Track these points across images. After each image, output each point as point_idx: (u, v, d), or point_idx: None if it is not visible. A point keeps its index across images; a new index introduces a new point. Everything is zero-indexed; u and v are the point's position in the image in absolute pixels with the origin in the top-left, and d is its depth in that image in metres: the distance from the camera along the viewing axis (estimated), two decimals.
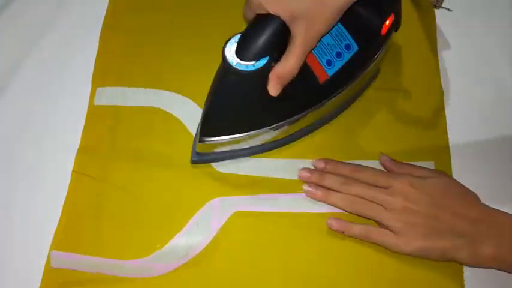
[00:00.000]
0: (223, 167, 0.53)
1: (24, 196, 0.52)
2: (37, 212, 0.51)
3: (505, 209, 0.47)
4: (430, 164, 0.52)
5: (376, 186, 0.48)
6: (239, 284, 0.48)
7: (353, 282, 0.48)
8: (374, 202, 0.47)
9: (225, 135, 0.49)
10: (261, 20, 0.45)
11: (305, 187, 0.50)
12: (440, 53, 0.59)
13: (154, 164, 0.53)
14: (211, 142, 0.49)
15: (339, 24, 0.50)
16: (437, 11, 0.61)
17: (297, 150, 0.54)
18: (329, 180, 0.49)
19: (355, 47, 0.50)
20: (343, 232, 0.48)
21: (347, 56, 0.50)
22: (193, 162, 0.52)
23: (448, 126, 0.55)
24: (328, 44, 0.50)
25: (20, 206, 0.52)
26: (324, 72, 0.50)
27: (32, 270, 0.48)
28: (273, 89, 0.46)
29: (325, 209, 0.50)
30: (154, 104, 0.57)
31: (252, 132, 0.49)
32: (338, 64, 0.50)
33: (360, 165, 0.51)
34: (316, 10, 0.43)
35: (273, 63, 0.46)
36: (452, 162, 0.52)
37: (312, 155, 0.53)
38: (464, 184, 0.48)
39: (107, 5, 0.63)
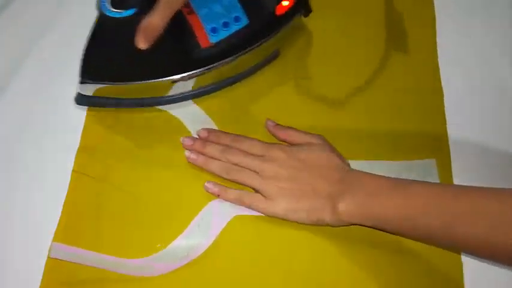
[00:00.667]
0: None
1: (24, 196, 0.52)
2: (37, 212, 0.51)
3: None
4: (431, 162, 0.52)
5: (253, 155, 0.50)
6: (239, 286, 0.48)
7: (352, 279, 0.48)
8: (250, 169, 0.50)
9: (104, 80, 0.51)
10: None
11: (186, 153, 0.52)
12: (440, 53, 0.59)
13: (154, 164, 0.53)
14: (91, 85, 0.51)
15: None
16: (437, 10, 0.61)
17: None
18: (210, 148, 0.52)
19: (245, 21, 0.52)
20: (218, 196, 0.51)
21: (234, 27, 0.52)
22: (78, 103, 0.54)
23: (448, 126, 0.55)
24: (216, 12, 0.52)
25: (20, 206, 0.52)
26: (207, 39, 0.52)
27: (32, 270, 0.48)
28: (140, 41, 0.49)
29: None
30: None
31: (128, 83, 0.51)
32: (223, 33, 0.52)
33: (240, 135, 0.53)
34: None
35: (142, 16, 0.49)
36: (452, 161, 0.52)
37: None
38: (464, 183, 0.48)
39: None
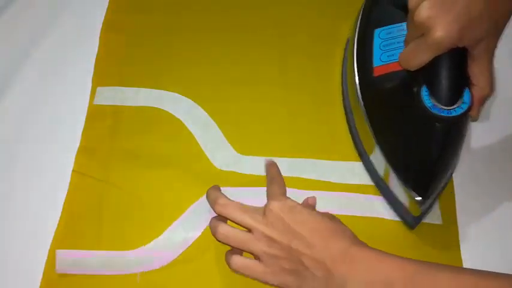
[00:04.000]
0: (225, 166, 0.53)
1: (24, 196, 0.52)
2: (37, 212, 0.51)
3: (506, 210, 0.47)
4: None
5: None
6: (235, 274, 0.47)
7: None
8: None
9: (442, 182, 0.46)
10: (446, 58, 0.43)
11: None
12: None
13: (155, 163, 0.53)
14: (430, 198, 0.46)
15: None
16: None
17: (298, 149, 0.54)
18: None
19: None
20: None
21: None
22: (415, 226, 0.49)
23: None
24: None
25: (20, 206, 0.51)
26: None
27: (32, 270, 0.48)
28: (478, 114, 0.46)
29: (322, 206, 0.50)
30: (154, 104, 0.56)
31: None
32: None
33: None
34: (495, 26, 0.43)
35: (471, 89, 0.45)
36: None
37: (311, 154, 0.53)
38: (464, 185, 0.48)
39: (107, 5, 0.63)
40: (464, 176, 0.51)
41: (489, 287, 0.38)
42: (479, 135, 0.54)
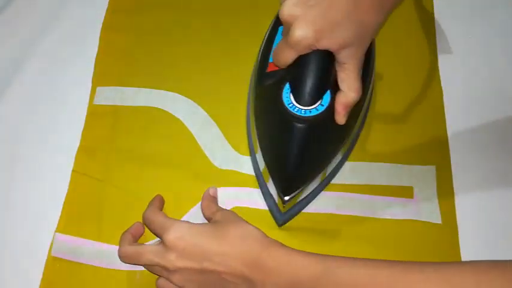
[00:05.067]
0: (225, 166, 0.53)
1: (24, 196, 0.52)
2: (37, 212, 0.51)
3: (505, 210, 0.47)
4: (430, 168, 0.52)
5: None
6: None
7: None
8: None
9: (306, 183, 0.46)
10: (308, 60, 0.43)
11: None
12: (440, 53, 0.59)
13: (155, 163, 0.53)
14: (294, 196, 0.46)
15: None
16: (437, 11, 0.61)
17: None
18: None
19: None
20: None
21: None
22: (282, 224, 0.50)
23: (448, 127, 0.54)
24: None
25: (20, 205, 0.52)
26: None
27: (32, 270, 0.48)
28: (343, 118, 0.46)
29: (321, 208, 0.50)
30: (154, 104, 0.57)
31: (328, 167, 0.48)
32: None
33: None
34: (361, 34, 0.43)
35: (333, 94, 0.45)
36: (452, 163, 0.52)
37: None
38: (464, 185, 0.48)
39: (107, 5, 0.63)
40: (464, 176, 0.51)
41: (410, 280, 0.37)
42: (479, 135, 0.54)
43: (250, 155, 0.53)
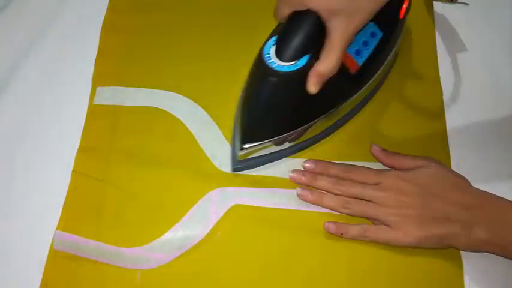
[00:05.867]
0: (225, 166, 0.53)
1: (24, 196, 0.52)
2: (37, 212, 0.51)
3: None
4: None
5: (367, 184, 0.49)
6: (235, 276, 0.48)
7: (351, 276, 0.48)
8: (367, 200, 0.48)
9: (266, 138, 0.48)
10: (299, 18, 0.44)
11: (298, 191, 0.50)
12: (440, 53, 0.59)
13: (154, 163, 0.53)
14: (253, 148, 0.48)
15: None
16: (437, 11, 0.61)
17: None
18: (321, 182, 0.50)
19: (379, 34, 0.51)
20: (341, 235, 0.48)
21: (373, 43, 0.51)
22: (235, 170, 0.52)
23: (448, 126, 0.54)
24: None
25: (20, 206, 0.52)
26: (354, 62, 0.50)
27: (32, 270, 0.48)
28: (314, 87, 0.46)
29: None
30: (154, 104, 0.57)
31: (292, 131, 0.49)
32: (366, 52, 0.51)
33: (349, 164, 0.51)
34: (356, 5, 0.43)
35: (312, 61, 0.45)
36: (452, 163, 0.52)
37: (312, 155, 0.53)
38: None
39: (107, 5, 0.63)
40: (464, 176, 0.51)
41: None
42: (479, 135, 0.54)
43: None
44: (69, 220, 0.50)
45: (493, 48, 0.59)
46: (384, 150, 0.52)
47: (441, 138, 0.54)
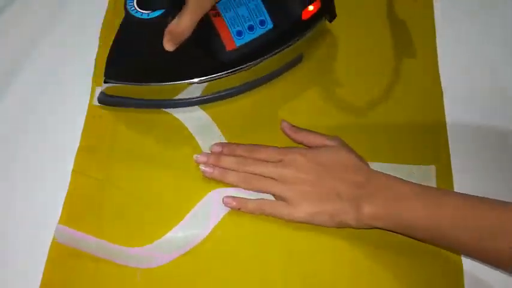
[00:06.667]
0: None
1: (24, 196, 0.52)
2: (37, 212, 0.51)
3: None
4: (430, 168, 0.52)
5: (270, 162, 0.50)
6: (235, 276, 0.48)
7: (352, 276, 0.48)
8: (268, 177, 0.50)
9: (128, 81, 0.52)
10: None
11: (202, 167, 0.51)
12: (440, 53, 0.59)
13: (155, 163, 0.53)
14: (114, 84, 0.52)
15: (259, 0, 0.52)
16: (437, 11, 0.61)
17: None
18: (225, 161, 0.51)
19: (269, 25, 0.52)
20: (239, 209, 0.50)
21: (259, 31, 0.52)
22: (100, 101, 0.55)
23: (448, 127, 0.55)
24: (242, 16, 0.52)
25: (20, 206, 0.52)
26: (232, 42, 0.51)
27: (32, 270, 0.48)
28: (167, 44, 0.50)
29: None
30: None
31: (152, 84, 0.52)
32: (248, 37, 0.52)
33: (255, 145, 0.52)
34: None
35: (170, 18, 0.49)
36: (452, 163, 0.52)
37: None
38: (464, 185, 0.48)
39: (107, 5, 0.63)
40: (464, 176, 0.51)
41: None
42: (479, 135, 0.54)
43: None
44: (69, 220, 0.50)
45: (493, 48, 0.59)
46: (293, 126, 0.53)
47: (441, 138, 0.54)
